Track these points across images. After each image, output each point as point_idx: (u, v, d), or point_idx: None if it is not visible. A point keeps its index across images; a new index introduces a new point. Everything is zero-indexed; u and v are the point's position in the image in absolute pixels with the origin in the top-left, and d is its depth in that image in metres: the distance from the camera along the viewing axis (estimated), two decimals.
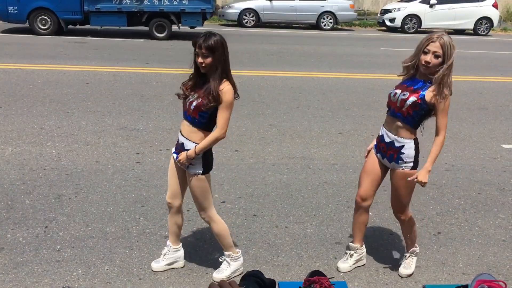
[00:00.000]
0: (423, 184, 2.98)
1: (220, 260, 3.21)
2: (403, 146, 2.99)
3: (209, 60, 2.74)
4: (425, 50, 2.84)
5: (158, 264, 3.22)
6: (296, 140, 5.96)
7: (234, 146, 5.56)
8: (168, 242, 3.24)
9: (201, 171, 2.92)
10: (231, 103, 2.83)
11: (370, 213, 4.15)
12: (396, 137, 2.99)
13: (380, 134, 3.11)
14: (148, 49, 12.19)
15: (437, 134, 3.02)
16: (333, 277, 3.09)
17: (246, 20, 18.78)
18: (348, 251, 3.35)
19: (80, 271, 3.15)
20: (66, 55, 10.56)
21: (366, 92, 8.37)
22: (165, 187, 4.41)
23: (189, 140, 2.89)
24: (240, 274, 3.17)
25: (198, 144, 2.86)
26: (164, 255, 3.23)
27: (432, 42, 2.82)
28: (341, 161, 5.31)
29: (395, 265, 3.40)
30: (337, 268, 3.32)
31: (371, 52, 13.08)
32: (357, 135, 6.19)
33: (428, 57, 2.82)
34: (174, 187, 3.09)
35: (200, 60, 2.75)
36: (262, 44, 13.94)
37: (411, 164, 3.03)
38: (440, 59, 2.82)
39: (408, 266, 3.31)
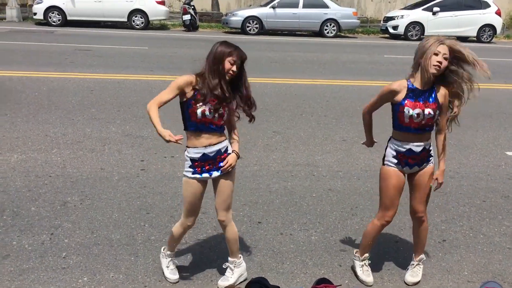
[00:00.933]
0: (441, 184, 3.13)
1: (224, 267, 3.22)
2: (430, 144, 3.12)
3: (241, 71, 2.92)
4: (436, 52, 2.84)
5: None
6: (300, 147, 5.97)
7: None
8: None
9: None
10: None
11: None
12: (425, 142, 3.07)
13: (405, 149, 3.04)
14: (152, 56, 12.25)
15: (440, 132, 3.10)
16: (340, 285, 3.10)
17: (249, 28, 18.86)
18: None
19: (85, 278, 3.16)
20: (71, 62, 10.62)
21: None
22: (170, 194, 4.45)
23: (223, 144, 2.97)
24: (244, 280, 3.18)
25: (229, 145, 3.02)
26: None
27: (441, 44, 2.85)
28: (345, 168, 5.32)
29: (400, 272, 3.40)
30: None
31: (375, 59, 13.11)
32: (361, 142, 6.19)
33: (440, 58, 2.84)
34: (198, 208, 3.06)
35: (234, 68, 2.85)
36: (265, 51, 13.99)
37: (432, 157, 3.17)
38: (447, 62, 2.87)
39: (415, 274, 3.30)
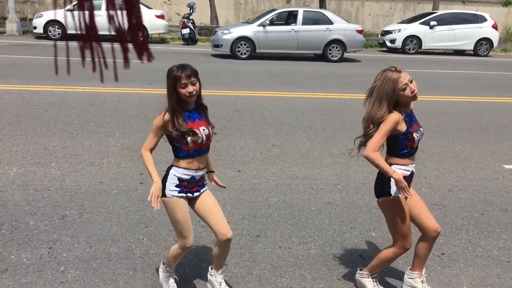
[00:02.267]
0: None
1: (223, 279, 3.19)
2: None
3: (198, 85, 2.85)
4: (403, 87, 2.86)
5: None
6: (299, 160, 5.98)
7: (237, 167, 5.58)
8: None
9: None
10: None
11: (374, 234, 4.17)
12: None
13: (409, 172, 3.05)
14: (151, 70, 12.31)
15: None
16: None
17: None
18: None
19: None
20: (71, 76, 10.65)
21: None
22: None
23: (207, 167, 3.07)
24: None
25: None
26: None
27: (400, 77, 2.87)
28: (343, 182, 5.33)
29: (399, 286, 3.39)
30: None
31: (373, 73, 13.14)
32: (359, 155, 6.21)
33: (412, 86, 2.87)
34: (191, 226, 3.02)
35: (190, 89, 2.80)
36: (264, 64, 14.05)
37: None
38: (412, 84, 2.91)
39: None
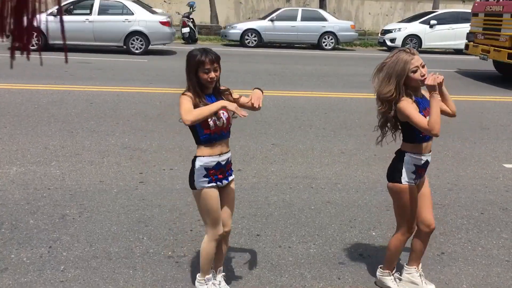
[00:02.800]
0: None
1: (223, 278, 3.19)
2: None
3: (219, 71, 2.87)
4: (414, 69, 2.90)
5: None
6: (299, 159, 5.98)
7: (237, 166, 5.57)
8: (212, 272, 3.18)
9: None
10: None
11: (374, 233, 4.17)
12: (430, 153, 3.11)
13: (424, 161, 3.06)
14: (151, 69, 12.31)
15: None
16: None
17: (248, 40, 19.11)
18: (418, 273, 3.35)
19: None
20: (71, 75, 10.67)
21: (368, 111, 8.41)
22: (169, 206, 4.46)
23: (230, 152, 3.02)
24: None
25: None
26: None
27: (413, 59, 2.92)
28: (343, 181, 5.33)
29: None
30: None
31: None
32: (359, 155, 6.22)
33: (424, 70, 2.92)
34: (220, 217, 3.04)
35: (212, 75, 2.82)
36: (264, 63, 14.06)
37: None
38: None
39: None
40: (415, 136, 3.02)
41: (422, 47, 19.30)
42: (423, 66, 2.93)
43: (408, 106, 2.90)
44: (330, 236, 4.08)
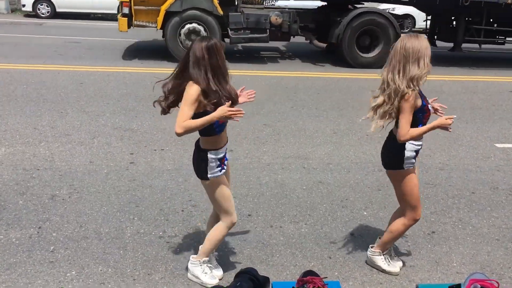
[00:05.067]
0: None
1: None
2: None
3: None
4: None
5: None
6: (291, 139, 5.96)
7: (228, 146, 5.48)
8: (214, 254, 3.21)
9: None
10: None
11: (365, 213, 4.18)
12: None
13: (420, 147, 3.07)
14: (142, 48, 12.15)
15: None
16: (326, 277, 3.10)
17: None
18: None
19: (73, 272, 3.14)
20: (60, 55, 10.51)
21: (360, 91, 8.39)
22: (160, 186, 4.44)
23: None
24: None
25: None
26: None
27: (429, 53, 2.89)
28: (335, 161, 5.32)
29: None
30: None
31: None
32: (351, 135, 6.20)
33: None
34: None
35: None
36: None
37: None
38: None
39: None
40: (417, 126, 2.97)
41: (416, 27, 19.17)
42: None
43: (408, 104, 2.86)
44: (322, 216, 4.08)
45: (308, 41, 11.51)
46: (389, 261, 3.32)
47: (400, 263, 3.37)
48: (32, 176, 4.53)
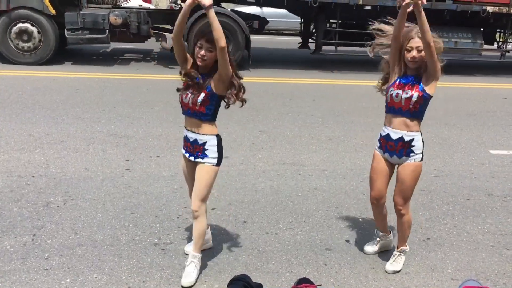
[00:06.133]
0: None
1: (187, 263, 3.19)
2: (413, 139, 3.14)
3: (212, 55, 2.92)
4: (408, 48, 3.02)
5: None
6: (286, 146, 5.97)
7: (224, 153, 5.52)
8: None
9: (215, 162, 3.10)
10: None
11: (361, 220, 4.18)
12: (405, 132, 3.12)
13: (385, 133, 3.21)
14: (138, 55, 12.16)
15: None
16: (321, 285, 3.10)
17: None
18: (376, 238, 3.60)
19: (68, 280, 3.13)
20: (56, 61, 10.50)
21: (356, 98, 8.43)
22: (155, 193, 4.43)
23: (202, 134, 3.07)
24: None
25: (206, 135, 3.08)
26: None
27: (411, 39, 3.01)
28: (331, 167, 5.33)
29: (385, 271, 3.41)
30: (363, 251, 3.59)
31: (361, 59, 13.13)
32: (347, 141, 6.22)
33: (414, 53, 3.01)
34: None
35: (202, 52, 2.92)
36: None
37: (420, 155, 3.20)
38: (423, 52, 2.99)
39: (396, 263, 3.40)
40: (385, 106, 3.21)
41: None
42: (419, 51, 3.00)
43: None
44: (317, 223, 4.08)
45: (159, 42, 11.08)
46: (379, 246, 3.64)
47: (376, 250, 3.61)
48: (27, 183, 4.51)
